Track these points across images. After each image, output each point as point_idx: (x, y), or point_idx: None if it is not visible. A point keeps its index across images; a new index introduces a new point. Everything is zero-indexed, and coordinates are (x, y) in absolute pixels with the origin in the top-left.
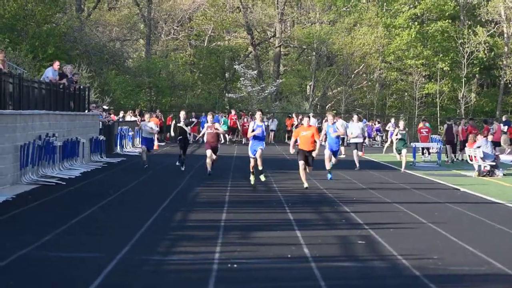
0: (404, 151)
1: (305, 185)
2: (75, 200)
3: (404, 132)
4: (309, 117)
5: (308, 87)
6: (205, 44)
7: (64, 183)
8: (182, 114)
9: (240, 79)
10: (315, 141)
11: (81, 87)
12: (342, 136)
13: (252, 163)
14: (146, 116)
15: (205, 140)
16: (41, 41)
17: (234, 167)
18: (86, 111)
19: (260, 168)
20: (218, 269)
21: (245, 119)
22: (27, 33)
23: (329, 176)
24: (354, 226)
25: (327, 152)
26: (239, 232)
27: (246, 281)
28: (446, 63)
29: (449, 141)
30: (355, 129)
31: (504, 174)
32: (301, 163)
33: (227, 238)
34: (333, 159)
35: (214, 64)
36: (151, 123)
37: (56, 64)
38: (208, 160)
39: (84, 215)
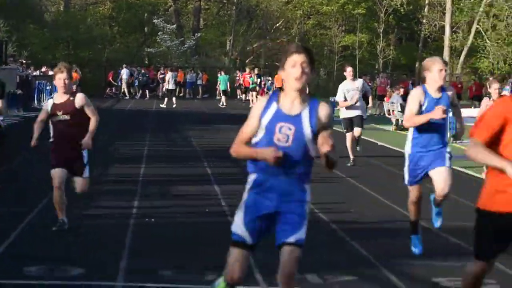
0: None
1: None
2: None
3: None
4: None
5: (227, 41)
6: None
7: None
8: None
9: (159, 33)
10: None
11: None
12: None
13: (235, 273)
14: None
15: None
16: None
17: (151, 122)
18: (4, 65)
19: None
20: (136, 223)
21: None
22: None
23: None
24: None
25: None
26: (157, 187)
27: (164, 236)
28: (362, 8)
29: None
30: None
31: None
32: None
33: (145, 193)
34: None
35: (133, 18)
36: None
37: None
38: (57, 193)
39: None
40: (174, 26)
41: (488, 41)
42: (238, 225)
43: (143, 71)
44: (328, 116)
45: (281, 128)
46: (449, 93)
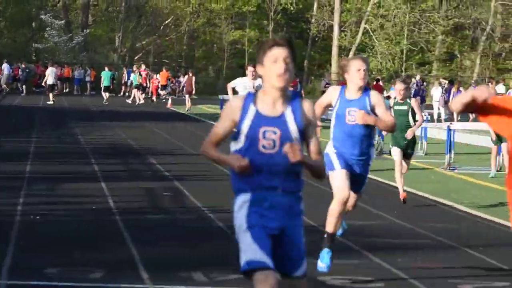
0: (397, 153)
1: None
2: None
3: (404, 106)
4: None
5: (116, 38)
6: None
7: None
8: None
9: (47, 29)
10: None
11: None
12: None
13: None
14: None
15: None
16: None
17: (39, 118)
18: None
19: None
20: (21, 221)
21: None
22: None
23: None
24: (160, 178)
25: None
26: (44, 184)
27: (50, 234)
28: (252, 6)
29: None
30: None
31: (322, 127)
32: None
33: (31, 190)
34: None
35: (21, 13)
36: None
37: None
38: None
39: None
40: (63, 21)
41: (376, 41)
42: (251, 250)
43: (23, 66)
44: (313, 112)
45: (265, 132)
46: (373, 98)
